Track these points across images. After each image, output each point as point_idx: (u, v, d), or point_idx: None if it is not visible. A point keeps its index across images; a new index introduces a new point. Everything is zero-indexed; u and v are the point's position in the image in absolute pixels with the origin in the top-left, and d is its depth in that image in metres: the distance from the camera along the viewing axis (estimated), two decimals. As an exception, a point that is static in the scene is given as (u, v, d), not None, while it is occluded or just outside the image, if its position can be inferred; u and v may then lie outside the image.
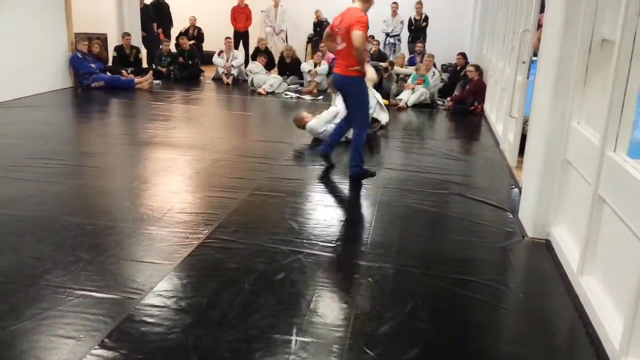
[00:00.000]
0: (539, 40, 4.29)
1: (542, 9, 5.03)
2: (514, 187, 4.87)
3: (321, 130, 6.04)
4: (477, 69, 8.72)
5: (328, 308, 2.78)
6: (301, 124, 6.23)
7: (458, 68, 9.79)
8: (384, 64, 9.45)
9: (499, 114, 7.02)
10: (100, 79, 9.36)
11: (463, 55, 9.99)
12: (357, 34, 4.51)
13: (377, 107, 6.53)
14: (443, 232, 3.95)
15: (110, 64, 10.18)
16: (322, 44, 10.77)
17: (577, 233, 3.18)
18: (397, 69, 9.57)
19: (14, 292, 2.78)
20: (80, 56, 9.28)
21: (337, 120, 5.71)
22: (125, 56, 10.28)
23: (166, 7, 12.25)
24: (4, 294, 2.76)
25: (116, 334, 2.46)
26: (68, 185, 4.57)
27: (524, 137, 5.05)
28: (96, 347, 2.35)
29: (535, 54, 5.24)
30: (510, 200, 4.52)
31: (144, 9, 11.37)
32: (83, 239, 3.44)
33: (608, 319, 2.54)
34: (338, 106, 6.03)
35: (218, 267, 3.16)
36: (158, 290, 2.84)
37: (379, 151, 6.02)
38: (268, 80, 9.99)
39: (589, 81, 3.26)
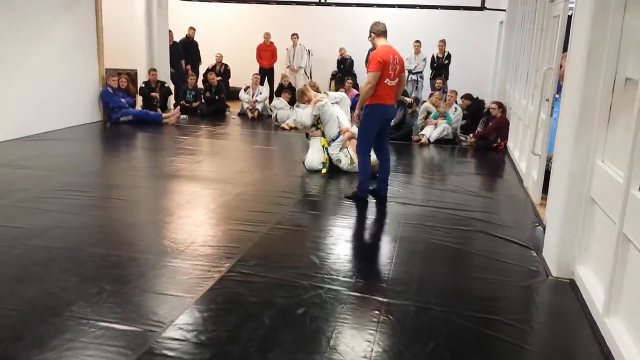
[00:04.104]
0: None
1: (564, 48, 5.07)
2: (537, 224, 4.81)
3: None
4: (500, 105, 8.73)
5: (348, 345, 2.75)
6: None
7: (465, 109, 9.84)
8: (408, 99, 9.52)
9: (522, 151, 6.99)
10: (129, 113, 9.61)
11: (468, 96, 10.08)
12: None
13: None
14: (465, 270, 3.91)
15: (138, 96, 10.46)
16: (349, 80, 10.96)
17: (602, 273, 3.13)
18: (427, 105, 9.51)
19: (39, 322, 2.83)
20: (110, 91, 9.56)
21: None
22: (152, 90, 10.53)
23: (195, 44, 12.57)
24: (29, 324, 2.81)
25: (137, 366, 2.47)
26: (94, 217, 4.66)
27: (547, 175, 5.03)
28: (117, 379, 2.37)
29: (558, 92, 5.25)
30: (534, 238, 4.46)
31: (173, 46, 11.69)
32: (107, 270, 3.49)
33: (635, 363, 2.47)
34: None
35: (238, 300, 3.17)
36: (179, 324, 2.86)
37: (400, 187, 6.02)
38: (292, 115, 10.14)
39: (613, 120, 3.25)
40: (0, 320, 2.85)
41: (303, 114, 6.71)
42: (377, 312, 3.09)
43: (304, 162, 6.70)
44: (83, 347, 2.62)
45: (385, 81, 5.08)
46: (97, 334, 2.73)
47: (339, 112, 6.76)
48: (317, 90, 7.06)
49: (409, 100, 9.48)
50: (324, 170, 6.43)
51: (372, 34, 5.27)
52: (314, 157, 6.56)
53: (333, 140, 6.54)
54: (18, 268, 3.51)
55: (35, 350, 2.57)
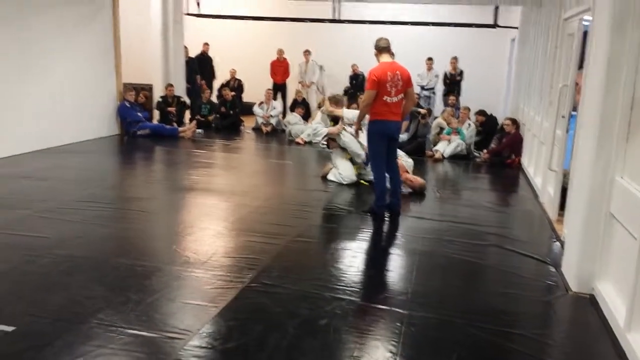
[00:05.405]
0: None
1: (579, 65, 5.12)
2: (555, 240, 4.83)
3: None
4: (514, 122, 8.77)
5: (372, 356, 2.79)
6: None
7: (479, 125, 9.85)
8: (422, 110, 9.58)
9: (537, 167, 7.01)
10: (146, 127, 9.75)
11: (482, 112, 10.09)
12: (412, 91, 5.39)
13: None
14: (484, 284, 3.94)
15: (155, 111, 10.61)
16: (362, 96, 11.00)
17: (623, 288, 3.14)
18: (440, 121, 9.54)
19: (67, 329, 2.89)
20: (128, 105, 9.70)
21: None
22: (168, 105, 10.67)
23: (209, 60, 12.75)
24: (58, 331, 2.87)
25: (166, 373, 2.52)
26: (115, 228, 4.74)
27: (564, 191, 5.06)
28: (147, 385, 2.42)
29: (574, 109, 5.30)
30: (552, 253, 4.48)
31: (189, 62, 11.86)
32: (132, 280, 3.55)
33: (660, 376, 2.49)
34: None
35: (262, 310, 3.22)
36: (205, 332, 2.91)
37: (417, 201, 6.06)
38: (306, 129, 10.22)
39: (632, 136, 3.28)
40: (29, 327, 2.91)
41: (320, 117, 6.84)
42: (399, 324, 3.12)
43: (322, 177, 6.78)
44: (112, 353, 2.67)
45: (384, 98, 5.11)
46: (126, 341, 2.78)
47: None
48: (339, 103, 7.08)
49: (423, 111, 9.55)
50: (363, 182, 6.57)
51: (375, 50, 5.36)
52: (348, 170, 6.66)
53: (365, 162, 6.59)
54: (45, 276, 3.58)
55: (65, 357, 2.63)
